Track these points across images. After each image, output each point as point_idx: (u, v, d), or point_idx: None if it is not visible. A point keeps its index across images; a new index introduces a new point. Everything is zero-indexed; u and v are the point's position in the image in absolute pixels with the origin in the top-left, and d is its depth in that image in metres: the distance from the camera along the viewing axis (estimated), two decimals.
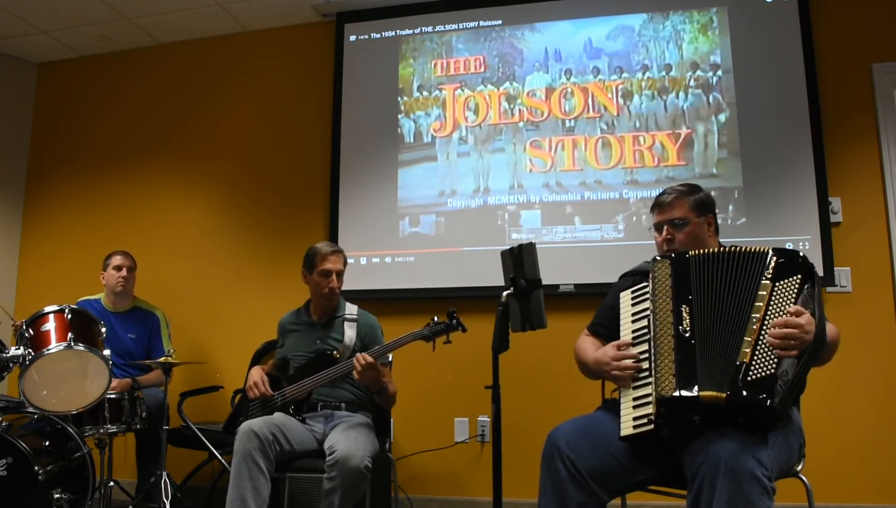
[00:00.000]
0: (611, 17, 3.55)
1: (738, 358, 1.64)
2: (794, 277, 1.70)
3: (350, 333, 2.75)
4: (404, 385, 2.91)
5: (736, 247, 1.83)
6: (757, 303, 1.69)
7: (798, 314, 1.63)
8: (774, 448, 1.64)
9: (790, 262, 1.73)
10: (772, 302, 1.69)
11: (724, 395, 1.60)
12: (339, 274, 2.78)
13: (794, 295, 1.68)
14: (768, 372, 1.59)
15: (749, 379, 1.60)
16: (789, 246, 3.11)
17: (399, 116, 3.74)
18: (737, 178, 3.30)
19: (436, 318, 2.49)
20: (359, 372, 2.47)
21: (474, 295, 3.36)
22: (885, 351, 3.09)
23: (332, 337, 2.77)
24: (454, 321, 2.46)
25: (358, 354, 2.50)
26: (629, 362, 1.79)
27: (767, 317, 1.66)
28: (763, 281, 1.72)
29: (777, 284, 1.71)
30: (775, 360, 1.60)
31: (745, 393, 1.58)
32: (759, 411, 1.58)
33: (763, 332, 1.65)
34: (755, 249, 1.79)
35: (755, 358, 1.62)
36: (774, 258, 1.74)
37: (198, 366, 3.67)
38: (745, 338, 1.65)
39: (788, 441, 1.75)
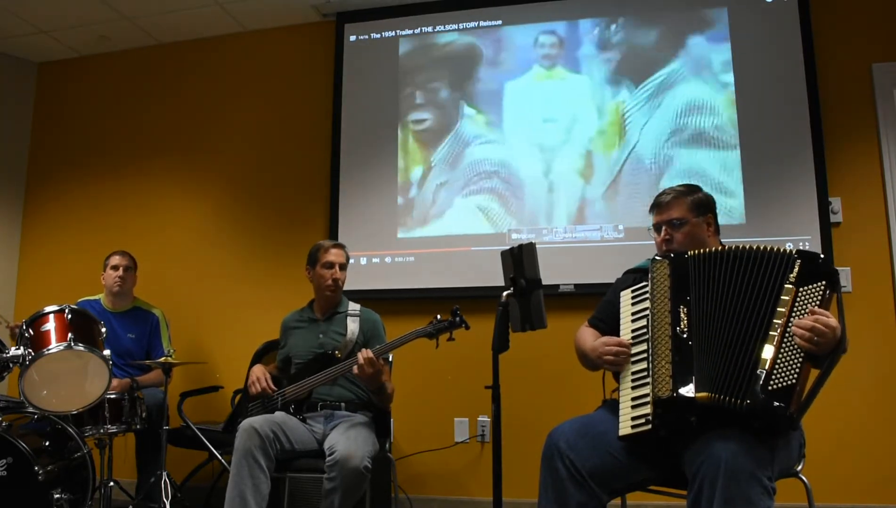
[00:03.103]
0: (612, 17, 3.55)
1: (758, 366, 1.60)
2: (819, 283, 1.66)
3: (353, 327, 2.77)
4: (404, 384, 2.91)
5: (738, 245, 1.79)
6: (780, 309, 1.65)
7: (824, 315, 1.60)
8: (775, 448, 1.63)
9: (814, 267, 1.68)
10: (795, 308, 1.64)
11: (737, 402, 1.58)
12: (342, 267, 2.82)
13: (816, 302, 1.64)
14: (790, 381, 1.56)
15: (770, 388, 1.57)
16: (789, 246, 3.11)
17: (398, 116, 3.74)
18: (737, 178, 3.30)
19: (438, 317, 2.50)
20: (360, 367, 2.47)
21: (474, 295, 3.36)
22: (885, 351, 3.09)
23: (334, 331, 2.78)
24: (458, 318, 2.46)
25: (361, 350, 2.50)
26: (622, 349, 1.81)
27: (790, 324, 1.62)
28: (786, 286, 1.67)
29: (801, 289, 1.66)
30: (797, 369, 1.57)
31: (764, 400, 1.56)
32: (778, 421, 1.56)
33: (785, 340, 1.61)
34: (771, 249, 1.74)
35: (777, 366, 1.59)
36: (798, 261, 1.69)
37: (198, 366, 3.67)
38: (766, 345, 1.62)
39: (789, 441, 1.75)
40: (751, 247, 1.77)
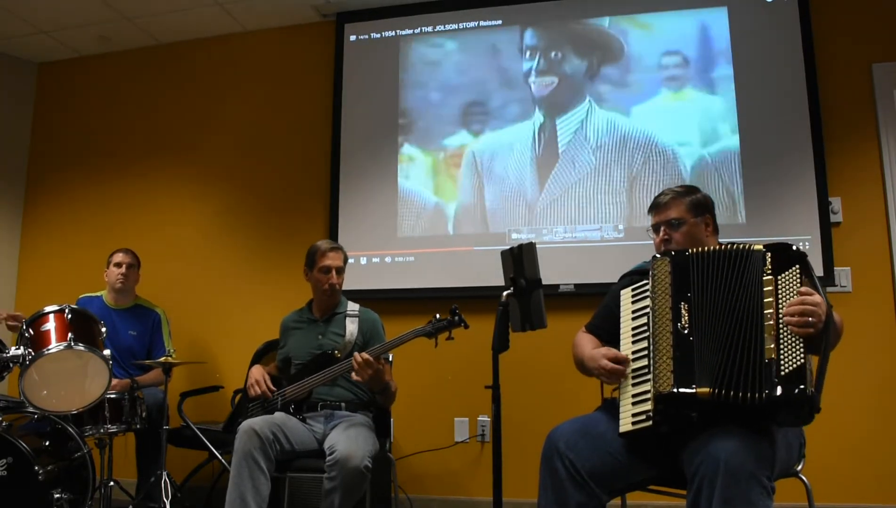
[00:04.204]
0: (612, 17, 3.55)
1: (764, 357, 1.61)
2: (794, 268, 1.70)
3: (352, 328, 2.76)
4: (404, 384, 2.91)
5: (732, 244, 1.82)
6: (767, 299, 1.68)
7: (809, 293, 1.63)
8: (774, 447, 1.63)
9: (784, 255, 1.73)
10: (780, 296, 1.67)
11: (754, 396, 1.58)
12: (339, 271, 2.80)
13: (797, 285, 1.67)
14: (799, 362, 1.58)
15: (783, 373, 1.58)
16: None
17: (398, 116, 3.74)
18: (737, 179, 3.30)
19: (438, 316, 2.50)
20: (357, 371, 2.47)
21: (474, 295, 3.36)
22: (885, 351, 3.09)
23: (333, 331, 2.78)
24: (457, 317, 2.46)
25: (356, 353, 2.50)
26: (619, 367, 1.81)
27: (781, 309, 1.65)
28: (765, 277, 1.70)
29: (779, 277, 1.70)
30: (801, 351, 1.59)
31: (782, 389, 1.56)
32: (802, 405, 1.56)
33: (780, 326, 1.63)
34: (746, 247, 1.78)
35: (782, 352, 1.60)
36: (769, 254, 1.73)
37: (198, 366, 3.67)
38: (765, 336, 1.64)
39: (788, 440, 1.76)
40: (733, 246, 1.80)
